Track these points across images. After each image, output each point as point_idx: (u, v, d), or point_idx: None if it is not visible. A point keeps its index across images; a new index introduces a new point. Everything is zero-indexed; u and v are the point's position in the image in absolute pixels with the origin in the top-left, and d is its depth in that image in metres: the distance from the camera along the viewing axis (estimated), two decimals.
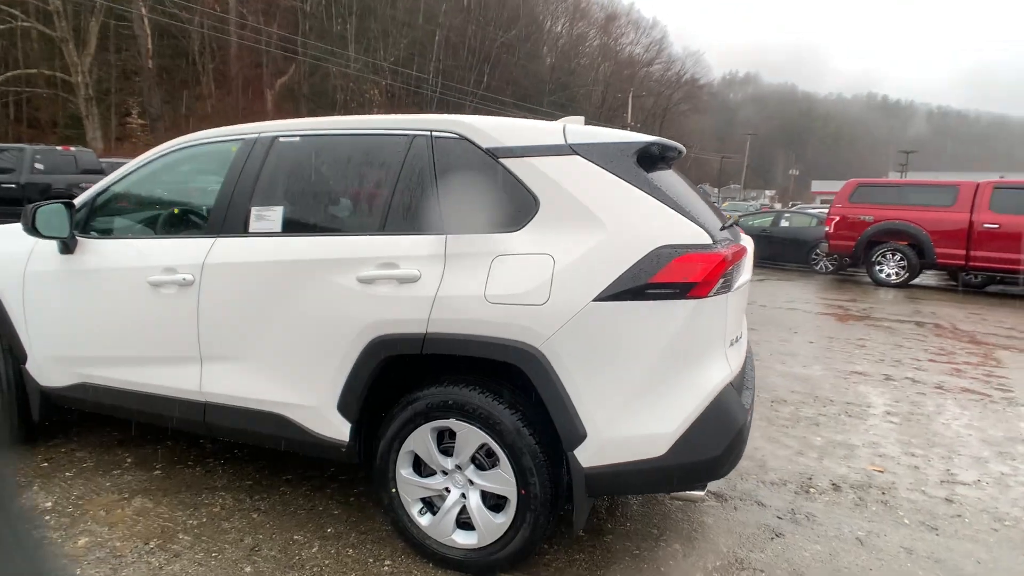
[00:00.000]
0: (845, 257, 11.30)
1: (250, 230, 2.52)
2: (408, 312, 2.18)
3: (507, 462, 2.12)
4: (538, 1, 63.25)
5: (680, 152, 2.56)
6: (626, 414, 2.01)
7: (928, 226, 9.99)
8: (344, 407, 2.32)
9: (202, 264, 2.52)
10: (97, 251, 2.78)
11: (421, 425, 2.23)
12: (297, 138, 2.58)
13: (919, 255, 10.18)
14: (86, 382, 2.87)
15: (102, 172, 11.68)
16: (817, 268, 13.16)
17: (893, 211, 10.39)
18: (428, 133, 2.37)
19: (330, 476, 3.00)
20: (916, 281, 10.79)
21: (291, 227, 2.47)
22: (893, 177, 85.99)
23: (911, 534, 2.57)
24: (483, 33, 50.78)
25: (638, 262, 1.98)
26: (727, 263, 2.01)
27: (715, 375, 2.07)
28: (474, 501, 2.21)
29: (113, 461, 3.11)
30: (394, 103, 44.28)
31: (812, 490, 2.94)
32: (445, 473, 2.26)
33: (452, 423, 2.19)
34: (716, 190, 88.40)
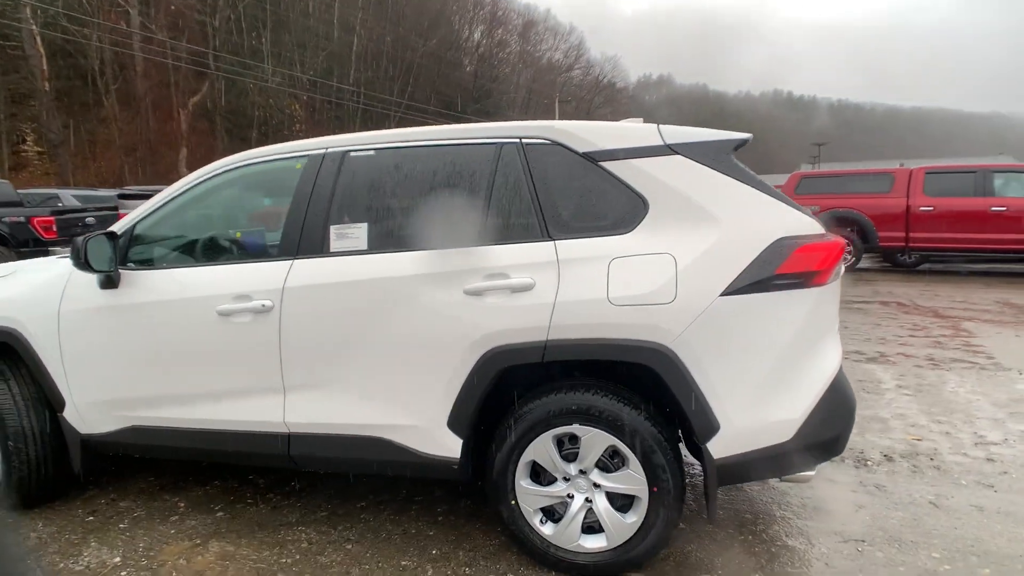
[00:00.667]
0: None
1: (332, 250, 2.42)
2: (525, 321, 2.16)
3: (636, 461, 2.14)
4: (455, 10, 63.39)
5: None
6: (756, 404, 2.08)
7: (869, 212, 10.78)
8: (455, 423, 2.27)
9: (282, 288, 2.40)
10: (146, 283, 2.59)
11: (542, 434, 2.21)
12: (372, 152, 2.50)
13: (863, 239, 10.96)
14: (137, 425, 2.66)
15: (21, 204, 10.64)
16: None
17: (836, 200, 11.12)
18: (517, 140, 2.36)
19: (405, 498, 2.91)
20: (860, 265, 11.60)
21: (378, 244, 2.39)
22: (805, 169, 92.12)
23: (973, 493, 2.79)
24: (404, 43, 50.34)
25: (761, 255, 2.06)
26: (843, 250, 2.13)
27: (832, 358, 2.18)
28: (602, 504, 2.22)
29: (165, 507, 2.88)
30: (315, 118, 43.15)
31: (869, 463, 3.12)
32: (567, 479, 2.26)
33: (575, 428, 2.19)
34: None
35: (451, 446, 2.30)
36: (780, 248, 2.07)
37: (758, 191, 2.19)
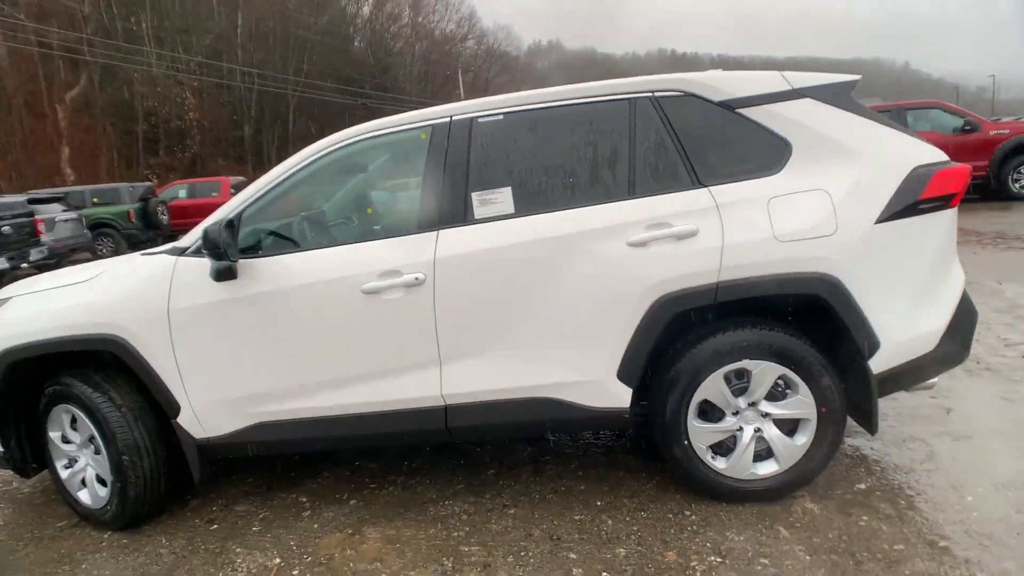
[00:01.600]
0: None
1: (476, 217, 2.38)
2: (695, 266, 2.24)
3: (806, 387, 2.31)
4: None
5: None
6: (909, 319, 2.30)
7: None
8: (626, 374, 2.33)
9: (433, 260, 2.33)
10: (271, 270, 2.42)
11: (712, 372, 2.32)
12: (500, 116, 2.45)
13: None
14: (264, 421, 2.51)
15: None
16: None
17: None
18: (650, 94, 2.40)
19: (531, 459, 2.94)
20: None
21: (525, 207, 2.37)
22: None
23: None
24: (294, 21, 47.66)
25: (903, 183, 2.25)
26: (970, 174, 2.35)
27: (959, 271, 2.42)
28: (772, 431, 2.37)
29: (288, 505, 2.76)
30: (205, 104, 40.23)
31: None
32: (735, 413, 2.39)
33: (746, 364, 2.31)
34: None
35: (622, 396, 2.36)
36: (919, 176, 2.26)
37: (882, 125, 2.37)
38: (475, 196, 2.38)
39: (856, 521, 2.28)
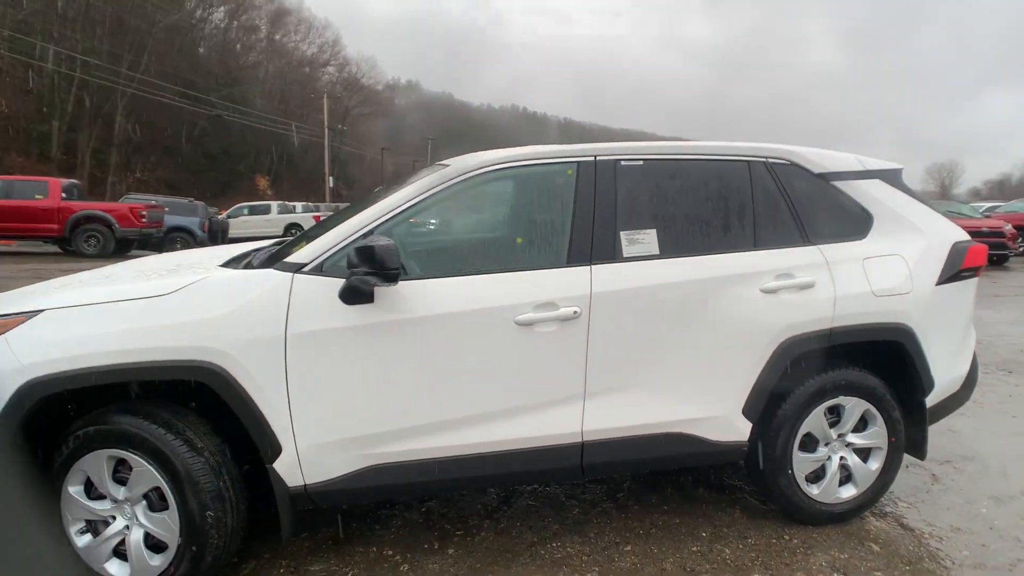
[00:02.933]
0: None
1: (624, 255, 2.45)
2: (815, 313, 2.53)
3: (881, 420, 2.68)
4: None
5: None
6: (950, 364, 2.79)
7: None
8: (749, 410, 2.53)
9: (589, 295, 2.35)
10: (413, 296, 2.25)
11: (817, 407, 2.61)
12: (640, 162, 2.58)
13: None
14: (381, 463, 2.29)
15: None
16: None
17: None
18: (764, 160, 2.70)
19: (606, 495, 2.99)
20: None
21: (667, 249, 2.50)
22: None
23: None
24: (136, 11, 42.85)
25: (949, 255, 2.75)
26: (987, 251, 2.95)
27: (974, 329, 3.00)
28: (854, 459, 2.70)
29: (376, 560, 2.49)
30: (9, 81, 34.33)
31: None
32: (827, 444, 2.69)
33: (841, 399, 2.63)
34: None
35: (743, 431, 2.54)
36: (959, 250, 2.79)
37: (927, 207, 2.90)
38: (623, 235, 2.46)
39: (921, 533, 2.68)
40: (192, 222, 17.66)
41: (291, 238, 3.52)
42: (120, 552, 2.19)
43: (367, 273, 2.08)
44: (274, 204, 25.28)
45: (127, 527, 2.18)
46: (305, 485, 2.24)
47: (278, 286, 2.20)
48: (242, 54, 63.94)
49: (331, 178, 40.74)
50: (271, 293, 2.19)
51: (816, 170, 2.73)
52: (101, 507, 2.19)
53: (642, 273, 2.43)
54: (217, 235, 18.50)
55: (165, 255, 3.36)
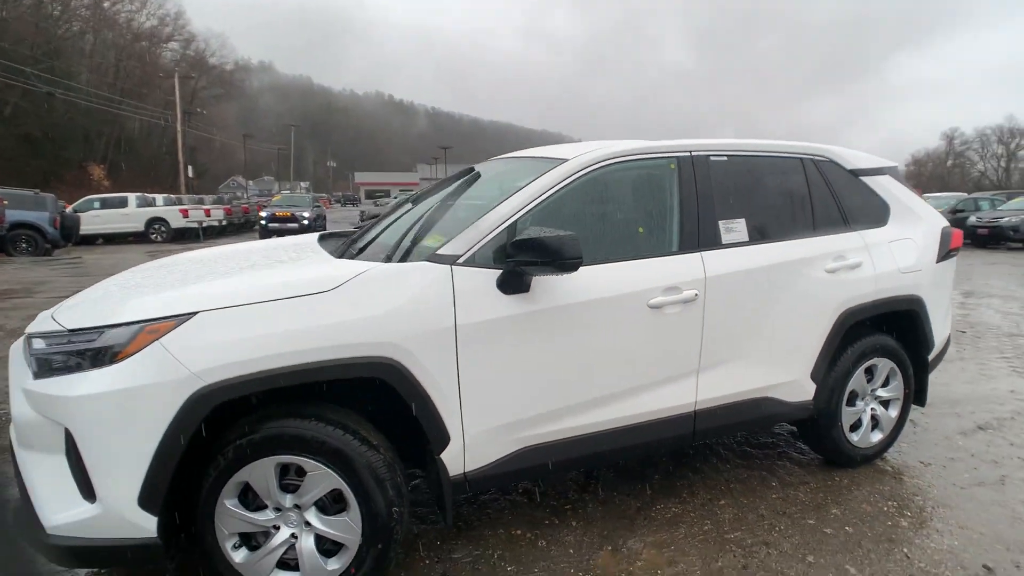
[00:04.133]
0: None
1: (723, 242, 2.74)
2: (862, 289, 3.01)
3: (901, 376, 3.25)
4: None
5: None
6: (941, 327, 3.42)
7: None
8: (815, 373, 2.95)
9: (704, 279, 2.61)
10: (561, 284, 2.36)
11: (859, 368, 3.10)
12: (725, 158, 2.87)
13: None
14: (528, 446, 2.40)
15: None
16: None
17: None
18: (812, 157, 3.13)
19: (678, 462, 3.29)
20: None
21: (752, 236, 2.83)
22: (420, 168, 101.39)
23: None
24: None
25: (941, 238, 3.38)
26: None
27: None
28: (880, 410, 3.24)
29: (512, 540, 2.59)
30: None
31: None
32: (863, 399, 3.20)
33: (875, 360, 3.15)
34: (248, 182, 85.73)
35: (809, 391, 2.96)
36: (947, 233, 3.43)
37: (916, 196, 3.52)
38: (721, 224, 2.75)
39: (925, 464, 3.29)
40: (41, 217, 15.59)
41: (353, 229, 3.43)
42: (284, 562, 2.09)
43: (540, 263, 2.16)
44: (131, 196, 22.50)
45: (293, 535, 2.09)
46: (465, 473, 2.29)
47: (440, 278, 2.21)
48: (62, 21, 55.81)
49: (190, 167, 37.00)
50: (436, 285, 2.19)
51: (848, 166, 3.22)
52: (263, 517, 2.07)
53: (739, 258, 2.74)
54: (71, 233, 16.71)
55: (210, 250, 3.09)
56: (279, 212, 21.71)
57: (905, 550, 2.51)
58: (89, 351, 1.91)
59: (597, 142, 2.85)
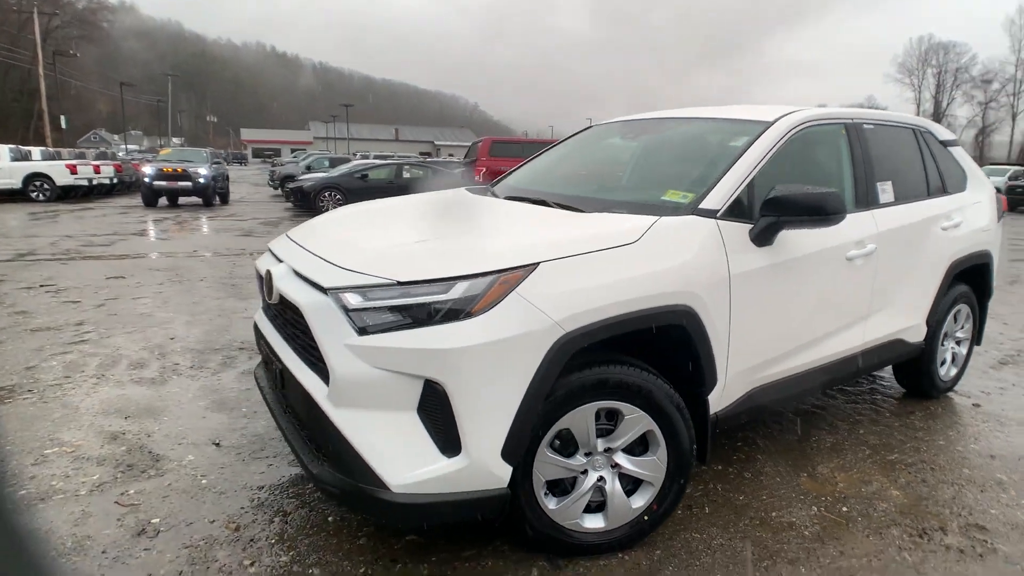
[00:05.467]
0: None
1: (880, 202, 3.08)
2: (961, 245, 3.51)
3: (972, 319, 3.83)
4: None
5: None
6: (995, 278, 4.05)
7: None
8: (930, 318, 3.43)
9: (877, 234, 2.94)
10: (788, 239, 2.58)
11: (952, 312, 3.63)
12: (872, 126, 3.19)
13: None
14: (754, 388, 2.63)
15: None
16: None
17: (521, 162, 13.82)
18: (919, 128, 3.55)
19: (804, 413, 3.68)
20: None
21: (896, 197, 3.20)
22: (313, 126, 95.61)
23: None
24: None
25: (998, 201, 3.97)
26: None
27: None
28: (957, 348, 3.81)
29: (721, 477, 2.83)
30: None
31: None
32: (949, 338, 3.74)
33: (961, 306, 3.70)
34: (114, 136, 76.96)
35: (923, 333, 3.43)
36: (999, 198, 4.03)
37: (977, 166, 4.08)
38: (879, 185, 3.09)
39: (979, 396, 3.93)
40: None
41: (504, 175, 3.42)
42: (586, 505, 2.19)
43: (806, 218, 2.36)
44: (3, 149, 19.60)
45: (600, 478, 2.19)
46: (716, 413, 2.48)
47: (713, 231, 2.34)
48: None
49: (62, 118, 32.57)
50: (712, 238, 2.33)
51: (940, 137, 3.68)
52: (576, 463, 2.15)
53: (895, 216, 3.10)
54: None
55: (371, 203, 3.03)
56: (167, 168, 17.03)
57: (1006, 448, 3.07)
58: (439, 303, 1.87)
59: (773, 105, 3.05)
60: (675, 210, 2.43)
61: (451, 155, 69.75)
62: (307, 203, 14.86)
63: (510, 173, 3.71)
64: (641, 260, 2.14)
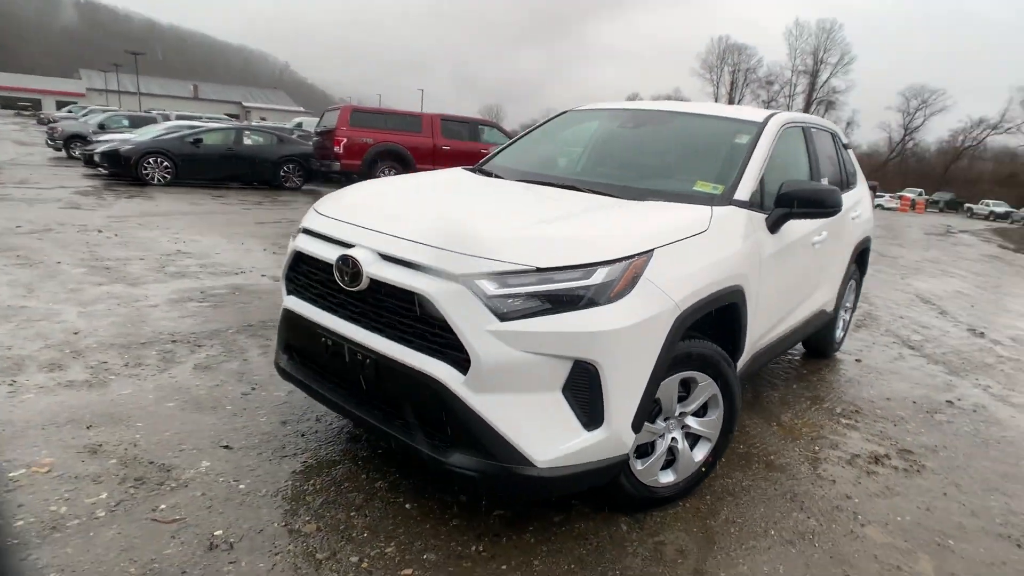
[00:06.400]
0: (354, 174, 13.40)
1: None
2: (861, 231, 4.39)
3: (856, 294, 4.79)
4: None
5: None
6: None
7: (409, 147, 13.54)
8: (840, 291, 4.25)
9: (826, 223, 3.56)
10: (787, 227, 3.03)
11: (847, 286, 4.50)
12: (815, 129, 3.83)
13: (406, 170, 13.65)
14: (753, 354, 3.10)
15: None
16: (288, 185, 14.52)
17: (385, 135, 13.30)
18: (832, 132, 4.33)
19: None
20: None
21: None
22: (86, 76, 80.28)
23: None
24: None
25: (869, 194, 4.97)
26: None
27: None
28: (845, 316, 4.74)
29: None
30: None
31: None
32: (843, 309, 4.64)
33: (851, 281, 4.60)
34: None
35: (834, 304, 4.23)
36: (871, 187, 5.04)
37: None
38: (823, 180, 3.73)
39: (864, 351, 4.95)
40: None
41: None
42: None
43: (813, 211, 2.83)
44: None
45: (673, 439, 2.47)
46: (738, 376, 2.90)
47: (749, 219, 2.71)
48: None
49: None
50: (750, 225, 2.70)
51: (843, 140, 4.51)
52: (659, 427, 2.40)
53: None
54: None
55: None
56: None
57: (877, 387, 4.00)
58: (582, 288, 1.97)
59: (740, 107, 3.53)
60: (711, 200, 2.74)
61: (263, 118, 63.75)
62: (126, 170, 12.84)
63: (496, 155, 3.74)
64: (714, 246, 2.43)
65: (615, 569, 2.13)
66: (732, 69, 79.48)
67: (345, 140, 12.96)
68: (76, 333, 3.85)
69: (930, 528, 2.55)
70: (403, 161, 13.62)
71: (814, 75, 74.15)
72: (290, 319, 2.53)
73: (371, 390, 2.25)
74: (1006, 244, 19.32)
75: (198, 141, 13.36)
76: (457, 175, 3.29)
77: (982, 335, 5.92)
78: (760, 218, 2.80)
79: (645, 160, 3.30)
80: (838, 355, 4.80)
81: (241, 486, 2.42)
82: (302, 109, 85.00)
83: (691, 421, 2.50)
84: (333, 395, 2.38)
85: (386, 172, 13.60)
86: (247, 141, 14.15)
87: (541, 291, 1.96)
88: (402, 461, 2.69)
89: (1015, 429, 3.67)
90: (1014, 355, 5.32)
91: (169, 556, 2.00)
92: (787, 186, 2.83)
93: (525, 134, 3.96)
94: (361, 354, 2.18)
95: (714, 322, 2.52)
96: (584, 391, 1.99)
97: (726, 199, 2.73)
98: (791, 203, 2.81)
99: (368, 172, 13.24)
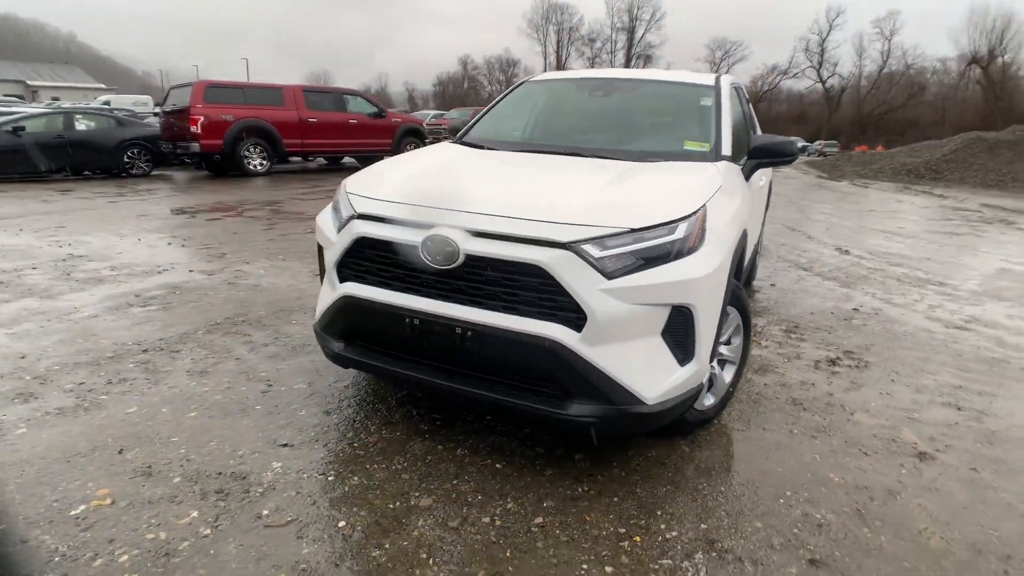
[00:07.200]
0: (215, 155, 12.15)
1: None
2: (764, 179, 5.04)
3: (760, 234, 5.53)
4: None
5: None
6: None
7: (275, 122, 12.54)
8: (760, 232, 4.89)
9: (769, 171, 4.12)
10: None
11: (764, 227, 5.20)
12: (742, 86, 4.33)
13: (273, 147, 12.66)
14: None
15: None
16: (134, 172, 12.89)
17: (246, 110, 12.18)
18: (742, 87, 4.89)
19: None
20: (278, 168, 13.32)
21: None
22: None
23: None
24: None
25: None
26: None
27: None
28: (758, 259, 5.47)
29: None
30: None
31: None
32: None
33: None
34: None
35: (759, 238, 4.89)
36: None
37: None
38: (753, 134, 4.25)
39: (777, 287, 5.74)
40: None
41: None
42: None
43: (778, 159, 3.29)
44: None
45: (713, 365, 2.83)
46: None
47: (737, 171, 3.11)
48: None
49: None
50: (739, 175, 3.10)
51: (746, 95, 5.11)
52: None
53: None
54: None
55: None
56: None
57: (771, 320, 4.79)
58: (670, 243, 2.21)
59: (685, 71, 3.90)
60: (704, 156, 3.09)
61: (56, 98, 54.76)
62: None
63: (470, 129, 3.80)
64: (728, 196, 2.77)
65: (702, 484, 2.46)
66: (557, 28, 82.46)
67: (202, 119, 11.73)
68: (23, 357, 3.35)
69: (897, 407, 3.20)
70: (269, 138, 12.68)
71: (631, 31, 79.15)
72: (355, 305, 2.48)
73: (471, 361, 2.32)
74: (822, 174, 22.60)
75: (19, 129, 11.36)
76: (461, 150, 3.32)
77: (848, 253, 7.11)
78: (737, 168, 3.21)
79: (627, 125, 3.56)
80: (755, 283, 5.55)
81: (330, 478, 2.40)
82: (103, 86, 74.03)
83: (723, 349, 2.88)
84: (416, 372, 2.42)
85: (253, 150, 12.60)
86: (80, 126, 12.26)
87: (637, 249, 2.17)
88: (469, 427, 2.79)
89: (910, 324, 4.58)
90: (877, 266, 6.49)
91: (309, 555, 1.98)
92: (756, 140, 3.26)
93: (490, 108, 4.04)
94: (460, 328, 2.25)
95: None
96: (679, 332, 2.25)
97: (715, 155, 3.10)
98: (761, 154, 3.25)
99: (232, 152, 12.18)
